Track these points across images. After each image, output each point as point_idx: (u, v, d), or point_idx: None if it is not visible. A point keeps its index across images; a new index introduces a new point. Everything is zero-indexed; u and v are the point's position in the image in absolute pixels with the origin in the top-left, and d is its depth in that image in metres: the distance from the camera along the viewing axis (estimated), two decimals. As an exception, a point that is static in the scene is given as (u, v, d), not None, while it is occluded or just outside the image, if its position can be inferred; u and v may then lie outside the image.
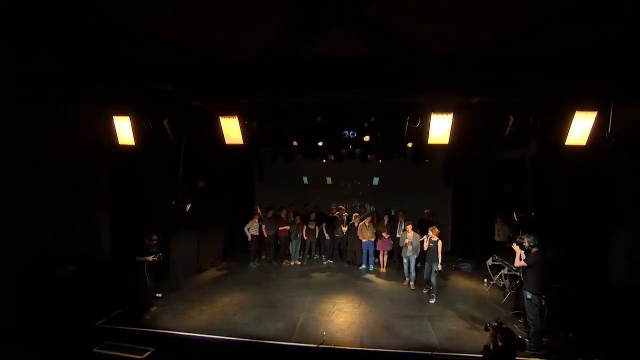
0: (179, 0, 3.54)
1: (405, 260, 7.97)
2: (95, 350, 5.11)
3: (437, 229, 7.34)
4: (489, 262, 7.93)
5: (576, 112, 4.18)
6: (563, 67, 4.02)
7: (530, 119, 4.36)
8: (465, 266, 9.47)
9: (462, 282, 8.44)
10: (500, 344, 4.13)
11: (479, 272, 8.82)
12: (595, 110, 4.15)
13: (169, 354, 5.27)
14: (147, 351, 5.17)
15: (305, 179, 12.13)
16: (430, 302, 7.05)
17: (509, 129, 4.53)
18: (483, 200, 9.85)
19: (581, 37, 3.78)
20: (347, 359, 5.24)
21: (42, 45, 4.63)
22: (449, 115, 4.46)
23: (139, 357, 5.05)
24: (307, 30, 4.17)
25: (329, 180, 12.12)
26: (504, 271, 7.32)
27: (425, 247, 7.28)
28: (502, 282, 7.61)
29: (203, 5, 3.64)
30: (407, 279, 8.04)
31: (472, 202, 10.48)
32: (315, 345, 5.31)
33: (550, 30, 3.74)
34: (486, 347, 4.24)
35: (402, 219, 9.31)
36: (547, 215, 5.97)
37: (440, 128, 4.53)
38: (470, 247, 10.32)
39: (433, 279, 7.13)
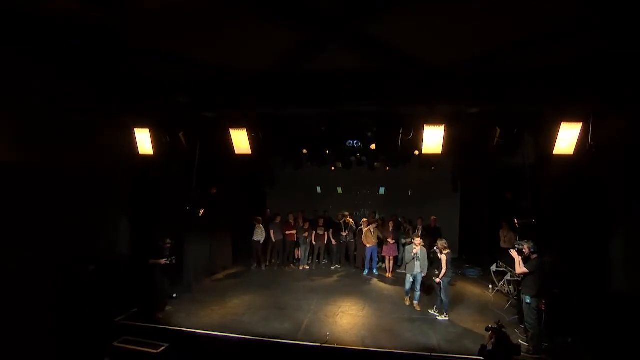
0: (194, 23, 3.97)
1: (410, 279, 7.14)
2: (115, 344, 5.53)
3: (443, 243, 6.78)
4: (493, 268, 8.04)
5: (562, 123, 4.38)
6: (549, 80, 4.25)
7: (515, 129, 4.58)
8: (472, 272, 9.56)
9: (467, 288, 8.55)
10: (496, 345, 4.31)
11: (486, 278, 8.89)
12: (580, 122, 4.35)
13: (182, 349, 5.64)
14: (162, 346, 5.56)
15: (319, 189, 12.52)
16: (439, 318, 6.76)
17: (497, 139, 4.76)
18: (490, 206, 9.95)
19: (566, 53, 4.02)
20: (349, 358, 5.48)
21: (74, 66, 5.19)
22: (440, 126, 4.72)
23: (154, 351, 5.44)
24: (308, 47, 4.55)
25: (339, 190, 12.50)
26: (508, 277, 7.42)
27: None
28: (506, 289, 7.70)
29: (215, 29, 4.07)
30: (407, 296, 7.31)
31: (479, 208, 10.57)
32: (319, 345, 5.58)
33: (536, 47, 3.99)
34: (482, 346, 4.42)
35: (420, 227, 9.49)
36: (547, 221, 6.10)
37: (433, 139, 4.80)
38: (477, 254, 10.38)
39: (443, 296, 6.74)
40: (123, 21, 3.84)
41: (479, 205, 10.53)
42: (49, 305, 5.41)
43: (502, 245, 8.70)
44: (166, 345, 5.57)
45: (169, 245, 6.83)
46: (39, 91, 5.16)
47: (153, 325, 6.14)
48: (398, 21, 3.73)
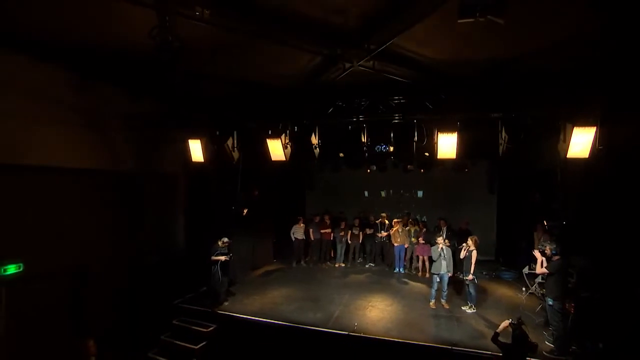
0: (235, 51, 4.75)
1: (437, 279, 7.35)
2: (174, 322, 6.57)
3: (476, 238, 7.19)
4: (525, 270, 7.98)
5: (575, 127, 4.46)
6: (561, 87, 4.41)
7: (522, 134, 4.76)
8: (507, 275, 9.48)
9: (500, 290, 8.55)
10: (512, 340, 4.54)
11: (521, 281, 8.78)
12: (594, 125, 4.40)
13: (228, 330, 6.53)
14: (211, 327, 6.51)
15: (366, 193, 13.11)
16: (468, 311, 7.13)
17: (505, 144, 4.95)
18: (527, 209, 9.75)
19: (575, 58, 4.19)
20: (372, 346, 5.96)
21: (147, 92, 6.31)
22: (453, 133, 5.01)
23: (205, 330, 6.41)
24: (336, 64, 5.14)
25: (382, 193, 12.96)
26: (539, 279, 7.38)
27: (462, 255, 7.20)
28: (539, 292, 7.62)
29: (255, 51, 4.81)
30: (432, 300, 7.41)
31: (516, 210, 10.39)
32: (347, 333, 6.14)
33: (543, 54, 4.21)
34: (495, 333, 4.67)
35: (444, 228, 9.62)
36: (576, 223, 6.08)
37: (447, 144, 5.10)
38: (514, 256, 10.20)
39: (472, 290, 7.08)
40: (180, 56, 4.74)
41: (516, 207, 10.35)
42: (122, 288, 6.56)
43: (537, 247, 8.57)
44: (215, 326, 6.52)
45: (227, 244, 7.32)
46: (113, 111, 6.31)
47: (204, 309, 7.09)
48: (411, 34, 4.14)
